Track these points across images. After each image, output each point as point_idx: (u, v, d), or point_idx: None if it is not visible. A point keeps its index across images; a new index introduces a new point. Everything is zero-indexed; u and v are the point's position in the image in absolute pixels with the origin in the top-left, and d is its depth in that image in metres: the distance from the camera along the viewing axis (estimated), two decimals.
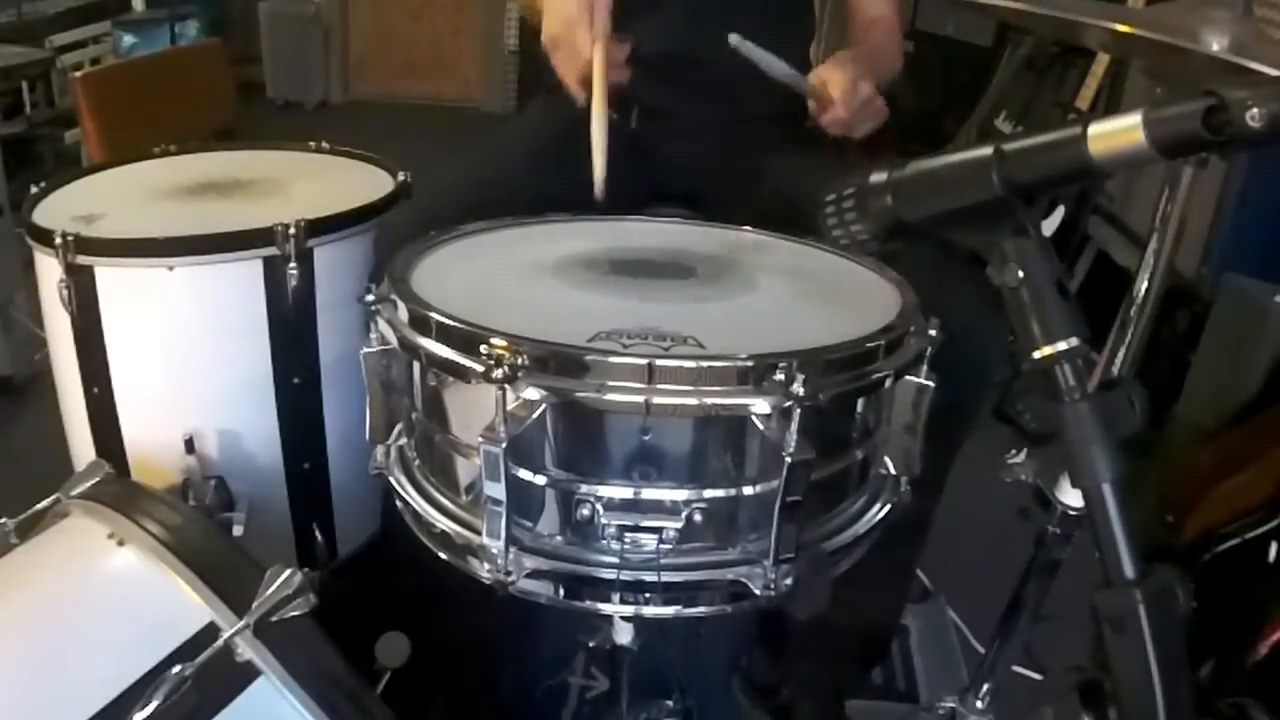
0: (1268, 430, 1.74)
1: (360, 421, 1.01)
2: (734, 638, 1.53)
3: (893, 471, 1.00)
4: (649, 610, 0.88)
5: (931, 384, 0.94)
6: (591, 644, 1.20)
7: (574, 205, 1.24)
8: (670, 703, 1.24)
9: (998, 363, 1.21)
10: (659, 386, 0.81)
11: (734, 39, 1.16)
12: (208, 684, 0.77)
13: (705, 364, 0.83)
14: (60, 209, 1.29)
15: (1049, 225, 2.69)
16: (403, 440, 1.02)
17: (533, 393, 0.82)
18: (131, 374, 1.24)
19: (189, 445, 1.21)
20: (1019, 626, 1.15)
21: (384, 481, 1.02)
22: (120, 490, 0.95)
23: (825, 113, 1.25)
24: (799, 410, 0.79)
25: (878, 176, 0.73)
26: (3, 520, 0.96)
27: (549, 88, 1.57)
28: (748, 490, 0.85)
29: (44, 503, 0.96)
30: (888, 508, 0.98)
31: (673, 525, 0.85)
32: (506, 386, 0.80)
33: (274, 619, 0.82)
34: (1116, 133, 0.62)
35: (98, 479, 0.96)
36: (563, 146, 1.46)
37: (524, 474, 0.84)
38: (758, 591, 0.86)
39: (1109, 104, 2.75)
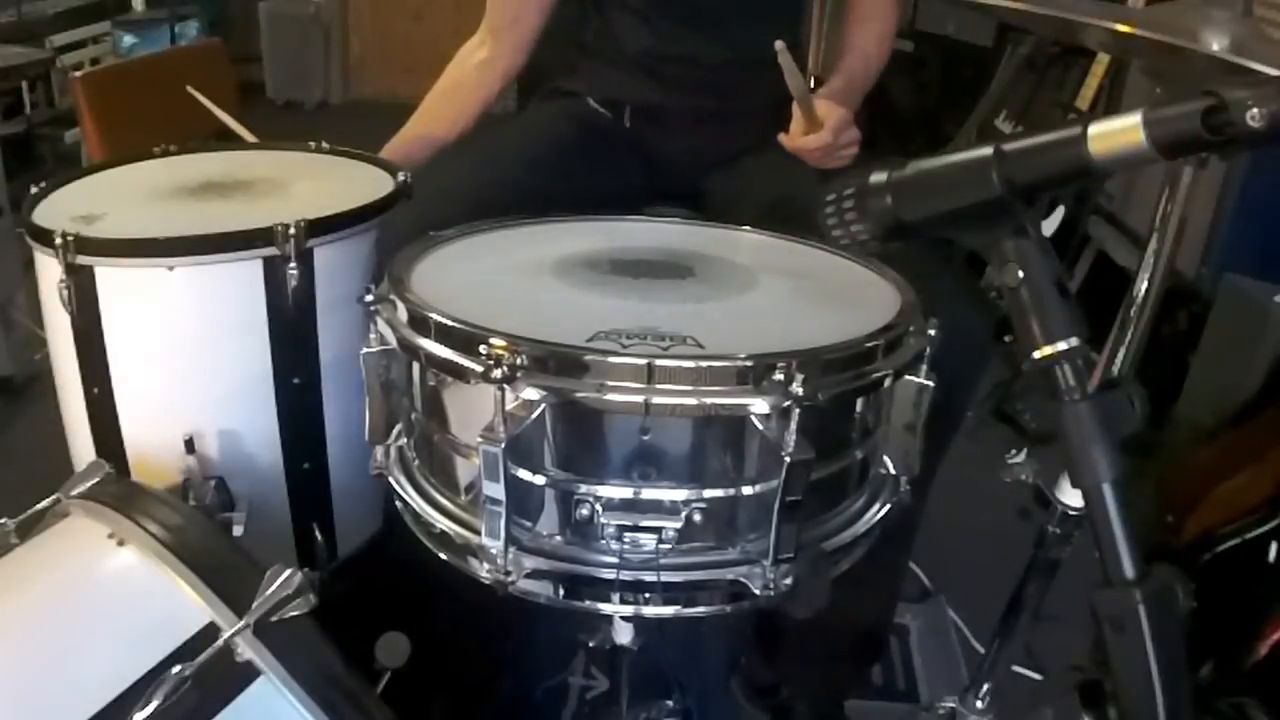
0: (1268, 430, 1.74)
1: (360, 421, 1.01)
2: (733, 638, 1.53)
3: (892, 471, 1.00)
4: (649, 610, 0.88)
5: (931, 384, 0.94)
6: (591, 644, 1.20)
7: (574, 205, 1.24)
8: (670, 703, 1.24)
9: (984, 364, 1.21)
10: (658, 386, 0.81)
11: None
12: (208, 684, 0.77)
13: (704, 364, 0.83)
14: (60, 209, 1.28)
15: (1049, 225, 2.69)
16: (402, 440, 1.02)
17: (532, 393, 0.82)
18: (131, 374, 1.24)
19: (189, 445, 1.21)
20: (1019, 626, 1.15)
21: (384, 481, 1.02)
22: (120, 490, 0.95)
23: (810, 135, 1.27)
24: (798, 410, 0.79)
25: (878, 176, 0.73)
26: (3, 520, 0.96)
27: (549, 89, 1.58)
28: (747, 490, 0.85)
29: (44, 503, 0.96)
30: (887, 507, 0.98)
31: (672, 525, 0.85)
32: (505, 386, 0.80)
33: (274, 619, 0.82)
34: (1116, 133, 0.62)
35: (98, 479, 0.95)
36: (563, 147, 1.47)
37: (523, 474, 0.84)
38: (757, 591, 0.86)
39: (1109, 104, 2.75)
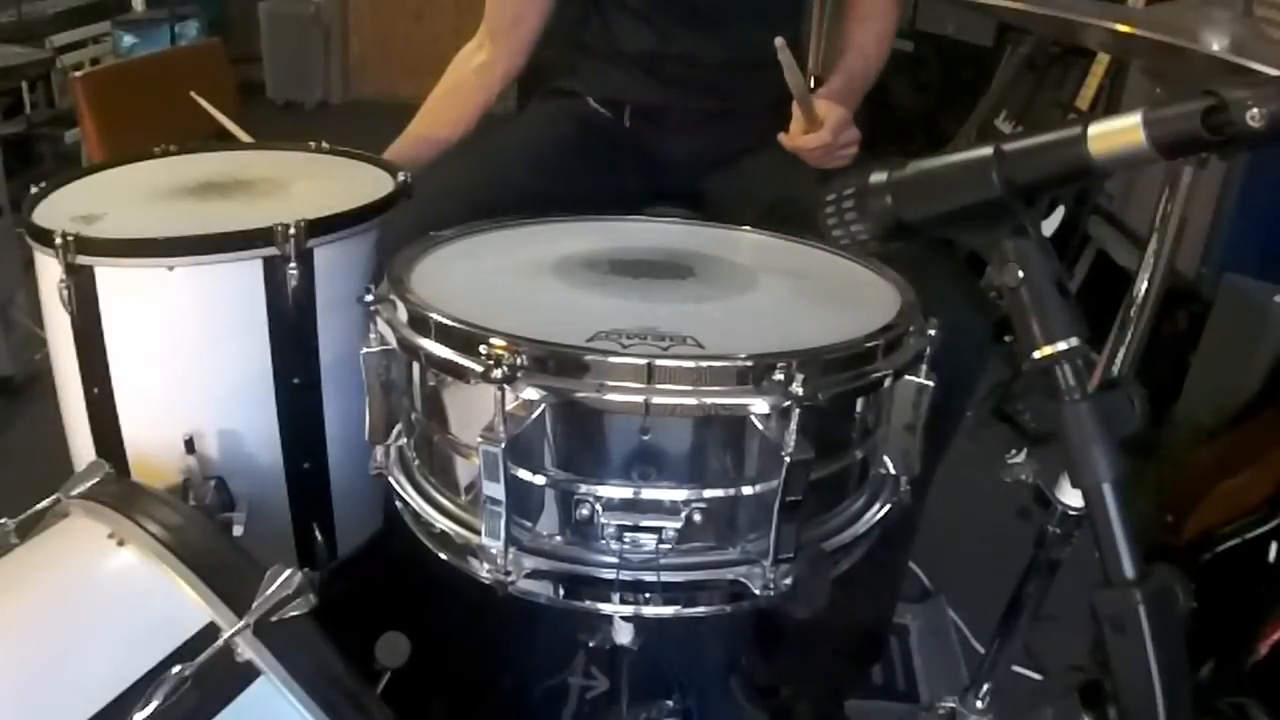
0: (1268, 430, 1.74)
1: (360, 421, 1.01)
2: (733, 638, 1.53)
3: (892, 471, 1.00)
4: (649, 610, 0.88)
5: (931, 384, 0.94)
6: (591, 644, 1.20)
7: (574, 205, 1.25)
8: (670, 703, 1.24)
9: (984, 364, 1.21)
10: (658, 386, 0.81)
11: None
12: (208, 684, 0.77)
13: (704, 364, 0.83)
14: (60, 209, 1.29)
15: (1049, 225, 2.69)
16: (402, 440, 1.02)
17: (532, 393, 0.82)
18: (131, 374, 1.24)
19: (189, 445, 1.21)
20: (1019, 626, 1.15)
21: (384, 481, 1.02)
22: (120, 490, 0.95)
23: (810, 134, 1.27)
24: (798, 410, 0.79)
25: (878, 176, 0.72)
26: (3, 520, 0.96)
27: (549, 89, 1.58)
28: (747, 490, 0.85)
29: (44, 503, 0.96)
30: (887, 507, 0.98)
31: (672, 525, 0.85)
32: (505, 386, 0.80)
33: (274, 619, 0.82)
34: (1116, 133, 0.62)
35: (98, 479, 0.95)
36: (563, 147, 1.47)
37: (523, 474, 0.84)
38: (757, 591, 0.86)
39: (1109, 104, 2.75)
